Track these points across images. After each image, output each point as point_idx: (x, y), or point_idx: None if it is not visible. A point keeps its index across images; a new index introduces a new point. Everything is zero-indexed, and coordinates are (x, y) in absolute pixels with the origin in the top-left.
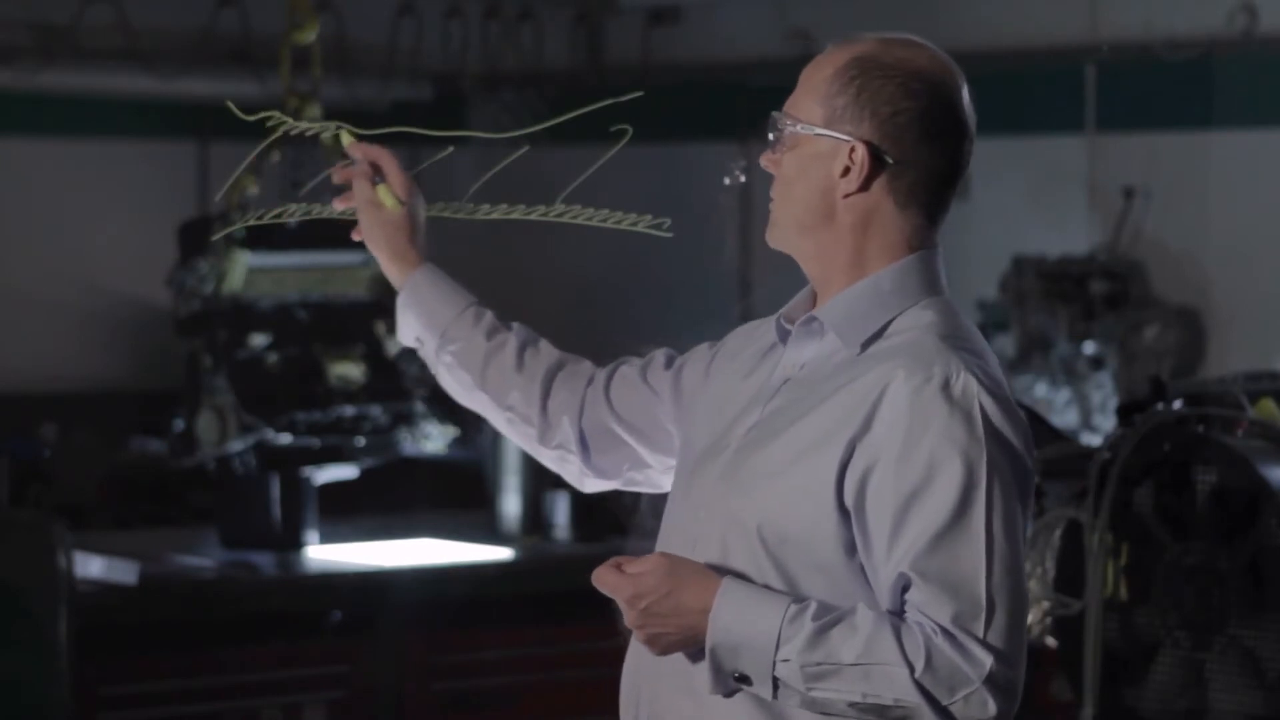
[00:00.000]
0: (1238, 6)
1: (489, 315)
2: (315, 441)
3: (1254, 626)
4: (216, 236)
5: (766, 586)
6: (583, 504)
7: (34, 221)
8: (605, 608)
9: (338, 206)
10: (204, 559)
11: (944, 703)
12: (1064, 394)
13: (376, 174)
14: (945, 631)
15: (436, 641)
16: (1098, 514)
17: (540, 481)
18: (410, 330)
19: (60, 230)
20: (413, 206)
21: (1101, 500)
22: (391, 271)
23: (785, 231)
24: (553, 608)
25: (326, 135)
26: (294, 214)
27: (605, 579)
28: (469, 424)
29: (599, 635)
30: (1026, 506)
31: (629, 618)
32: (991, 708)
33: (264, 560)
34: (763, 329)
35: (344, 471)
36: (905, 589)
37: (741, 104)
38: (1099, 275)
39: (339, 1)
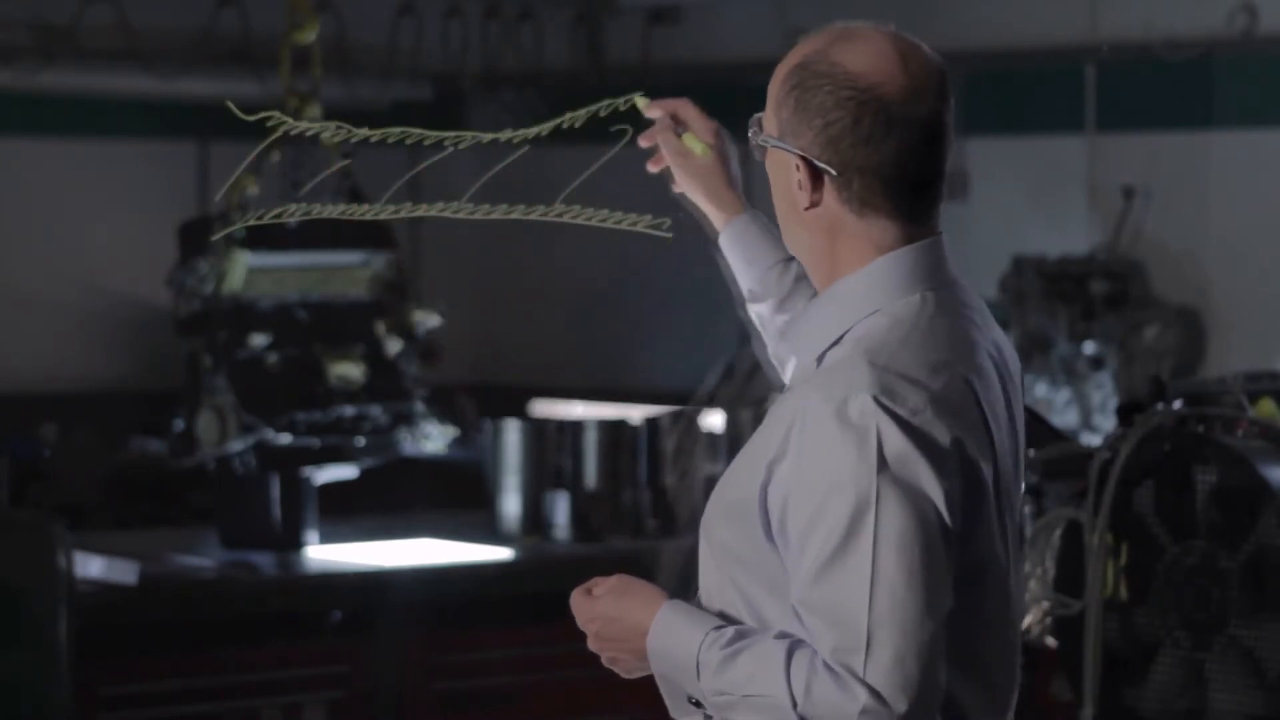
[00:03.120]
0: (1238, 6)
1: (792, 273)
2: (315, 441)
3: (1254, 626)
4: (216, 236)
5: (720, 612)
6: (582, 504)
7: (34, 221)
8: None
9: (651, 168)
10: (204, 559)
11: None
12: (1064, 394)
13: (678, 125)
14: (827, 664)
15: (436, 641)
16: (1098, 514)
17: (540, 481)
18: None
19: (60, 230)
20: (721, 148)
21: (1101, 500)
22: (712, 214)
23: (784, 238)
24: (553, 608)
25: (327, 135)
26: (294, 214)
27: (573, 603)
28: (469, 424)
29: None
30: (966, 537)
31: (588, 642)
32: None
33: (264, 560)
34: None
35: (344, 471)
36: None
37: (741, 104)
38: (1099, 275)
39: (339, 1)
